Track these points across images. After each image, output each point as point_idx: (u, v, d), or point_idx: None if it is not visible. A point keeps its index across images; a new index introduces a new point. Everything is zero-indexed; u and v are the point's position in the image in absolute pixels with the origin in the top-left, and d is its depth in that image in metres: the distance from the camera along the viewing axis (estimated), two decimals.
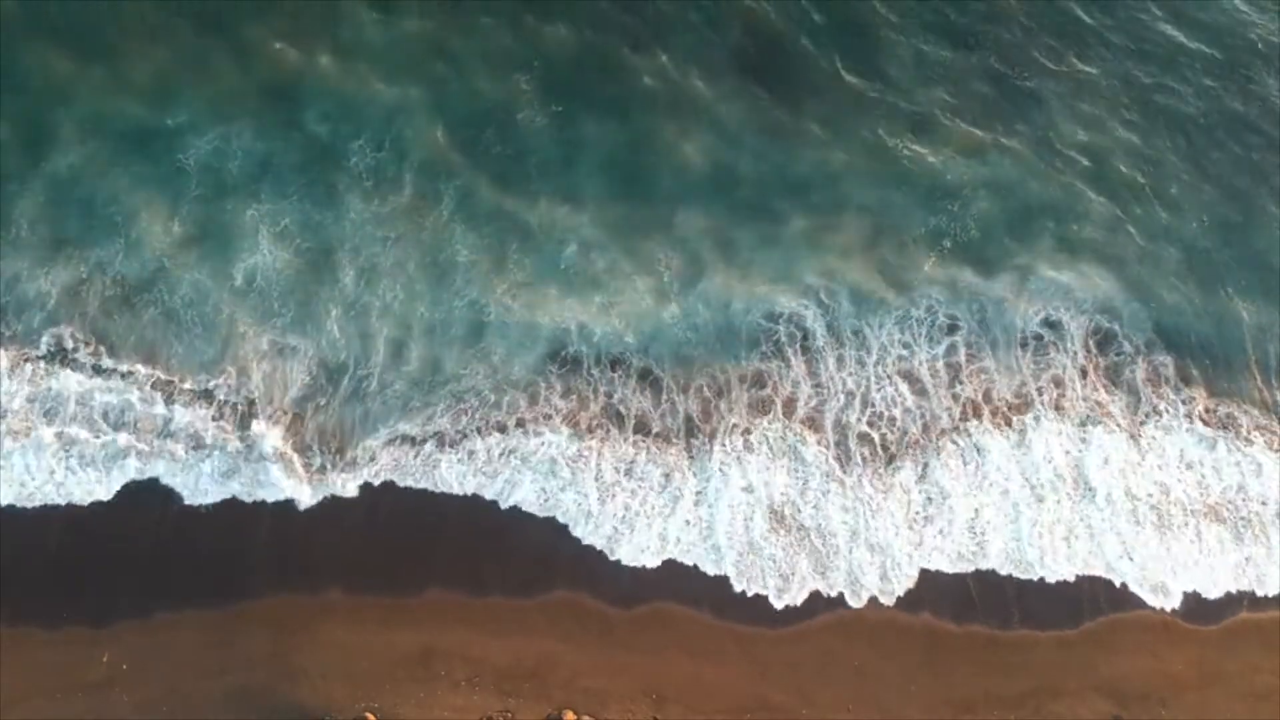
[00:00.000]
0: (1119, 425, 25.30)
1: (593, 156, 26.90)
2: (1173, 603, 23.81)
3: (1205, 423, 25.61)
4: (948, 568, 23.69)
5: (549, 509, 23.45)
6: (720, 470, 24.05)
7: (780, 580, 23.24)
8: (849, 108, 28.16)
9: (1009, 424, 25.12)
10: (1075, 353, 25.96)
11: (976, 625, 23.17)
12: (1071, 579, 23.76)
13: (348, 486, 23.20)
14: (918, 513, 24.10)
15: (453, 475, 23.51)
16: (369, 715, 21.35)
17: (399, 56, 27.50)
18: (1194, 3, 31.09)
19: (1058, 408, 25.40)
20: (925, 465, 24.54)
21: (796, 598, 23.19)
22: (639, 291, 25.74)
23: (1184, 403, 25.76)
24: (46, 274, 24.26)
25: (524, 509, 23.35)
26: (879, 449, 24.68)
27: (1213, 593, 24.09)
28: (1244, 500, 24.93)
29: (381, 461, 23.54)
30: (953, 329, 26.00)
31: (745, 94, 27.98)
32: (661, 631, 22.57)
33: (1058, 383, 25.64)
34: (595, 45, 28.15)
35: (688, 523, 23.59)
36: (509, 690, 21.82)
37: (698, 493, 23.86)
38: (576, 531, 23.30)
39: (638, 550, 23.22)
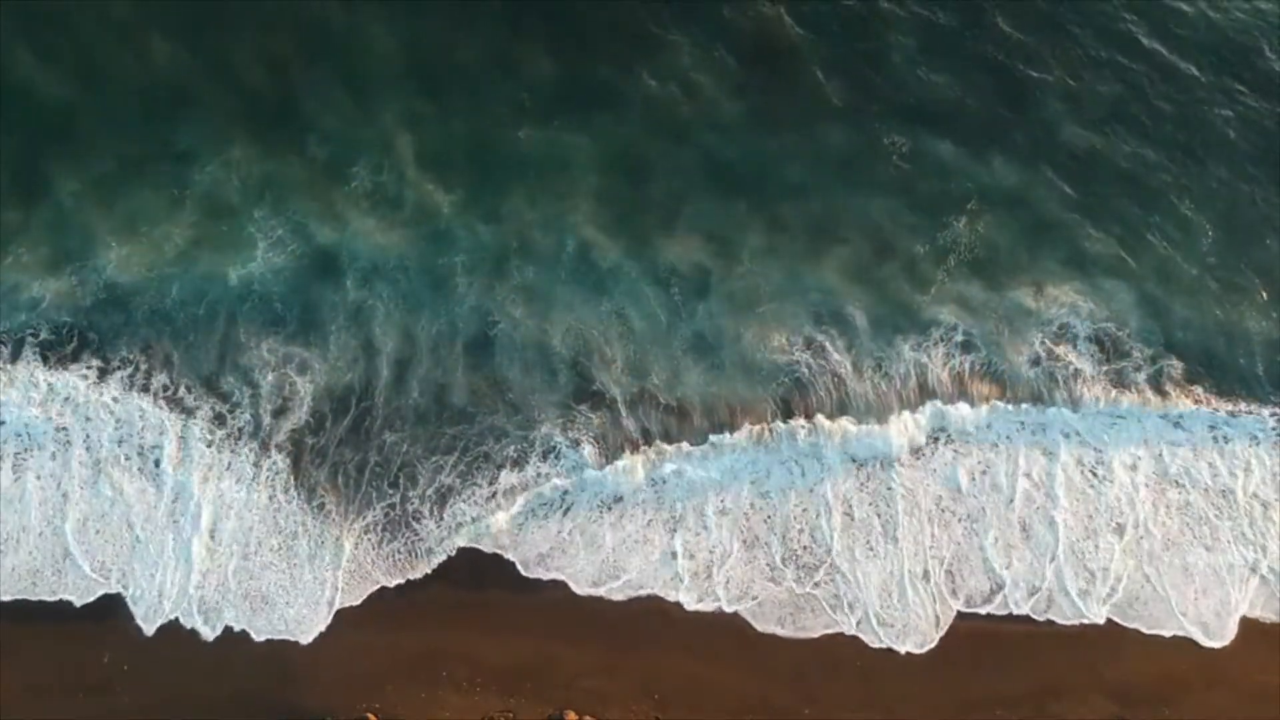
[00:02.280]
0: (1135, 425, 25.30)
1: (591, 162, 27.09)
2: (1225, 640, 23.41)
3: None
4: (966, 609, 23.38)
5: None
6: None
7: (789, 622, 23.10)
8: (851, 117, 28.33)
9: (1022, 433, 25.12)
10: (1085, 360, 25.92)
11: (979, 624, 23.10)
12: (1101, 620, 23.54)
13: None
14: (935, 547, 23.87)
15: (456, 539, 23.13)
16: (370, 716, 21.28)
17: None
18: (1203, 12, 31.13)
19: (1073, 410, 25.35)
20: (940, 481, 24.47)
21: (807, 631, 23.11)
22: (649, 302, 25.73)
23: (1196, 402, 25.70)
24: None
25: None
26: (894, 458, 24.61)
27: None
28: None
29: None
30: (967, 346, 25.95)
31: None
32: (663, 631, 22.53)
33: (1069, 388, 25.60)
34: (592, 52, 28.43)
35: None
36: (510, 690, 21.76)
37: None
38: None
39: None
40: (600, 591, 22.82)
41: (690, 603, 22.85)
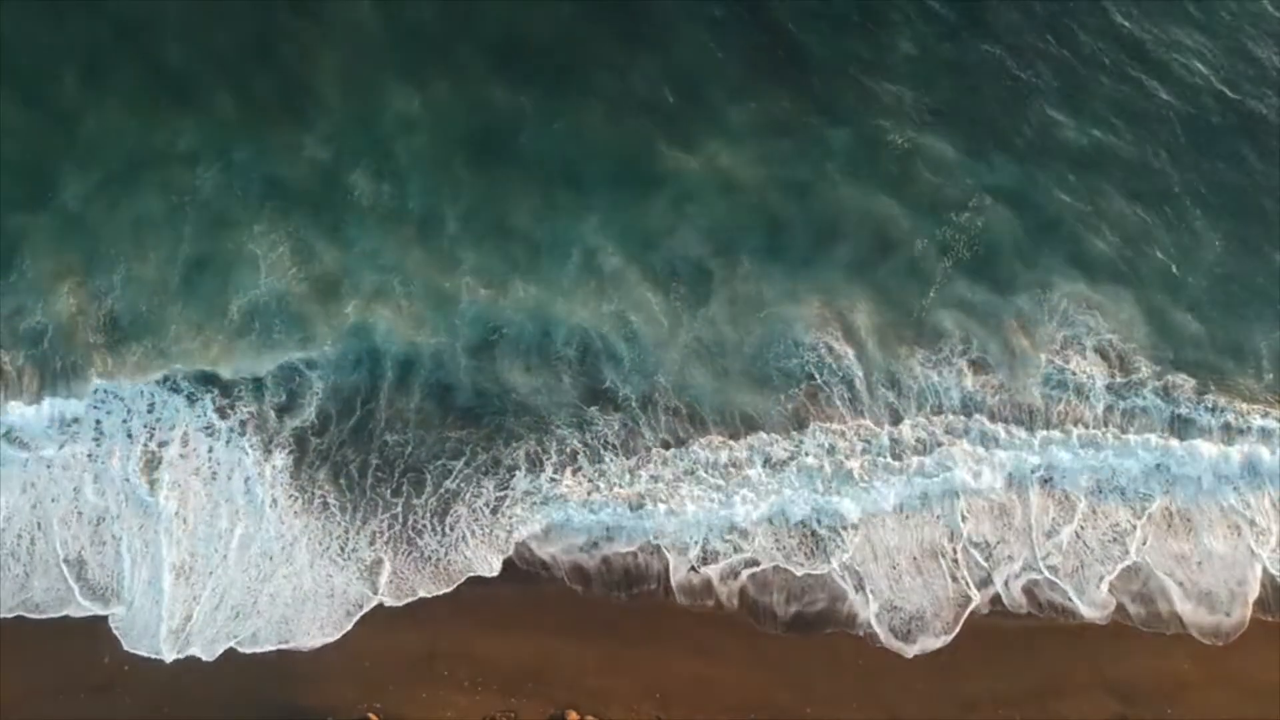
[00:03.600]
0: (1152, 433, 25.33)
1: (596, 167, 27.19)
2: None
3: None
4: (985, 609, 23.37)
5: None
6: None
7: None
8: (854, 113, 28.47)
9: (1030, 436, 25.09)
10: (1093, 370, 25.92)
11: (981, 623, 23.06)
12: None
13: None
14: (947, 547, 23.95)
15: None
16: (372, 716, 21.22)
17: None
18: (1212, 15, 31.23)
19: (1079, 423, 25.34)
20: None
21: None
22: (653, 309, 25.65)
23: (1208, 410, 25.72)
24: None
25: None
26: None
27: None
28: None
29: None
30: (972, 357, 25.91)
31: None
32: (666, 630, 22.50)
33: (1079, 398, 25.63)
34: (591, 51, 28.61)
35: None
36: (512, 690, 21.70)
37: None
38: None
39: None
40: (592, 557, 22.90)
41: (683, 571, 22.97)
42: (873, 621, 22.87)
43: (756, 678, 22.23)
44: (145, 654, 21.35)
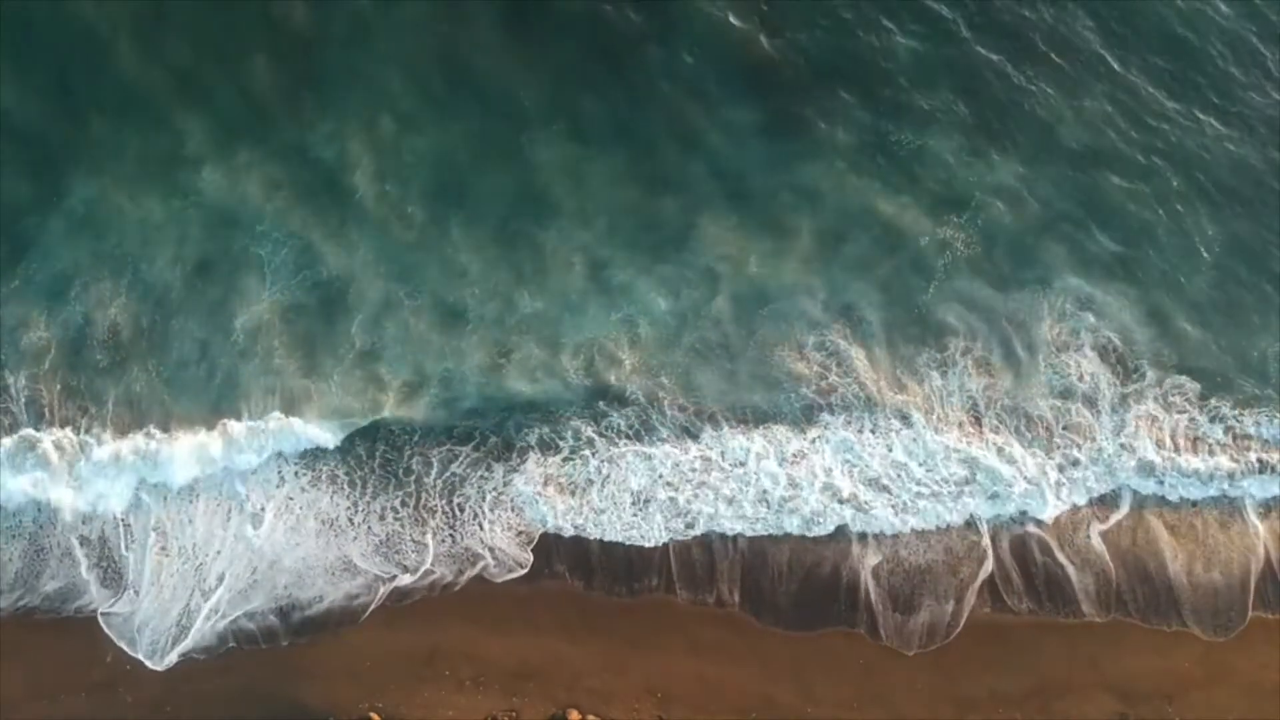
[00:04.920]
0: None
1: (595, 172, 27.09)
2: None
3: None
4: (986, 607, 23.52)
5: None
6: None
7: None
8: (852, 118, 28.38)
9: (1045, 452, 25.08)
10: (1096, 374, 25.86)
11: (981, 621, 23.09)
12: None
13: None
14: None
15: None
16: (373, 715, 21.25)
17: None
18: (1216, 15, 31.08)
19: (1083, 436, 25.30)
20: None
21: None
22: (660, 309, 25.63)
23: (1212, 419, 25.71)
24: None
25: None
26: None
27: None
28: None
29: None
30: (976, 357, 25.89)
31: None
32: (667, 630, 22.52)
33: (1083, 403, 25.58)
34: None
35: None
36: (513, 690, 21.74)
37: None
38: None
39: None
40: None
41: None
42: (872, 590, 22.98)
43: (757, 678, 22.27)
44: (134, 655, 21.40)
